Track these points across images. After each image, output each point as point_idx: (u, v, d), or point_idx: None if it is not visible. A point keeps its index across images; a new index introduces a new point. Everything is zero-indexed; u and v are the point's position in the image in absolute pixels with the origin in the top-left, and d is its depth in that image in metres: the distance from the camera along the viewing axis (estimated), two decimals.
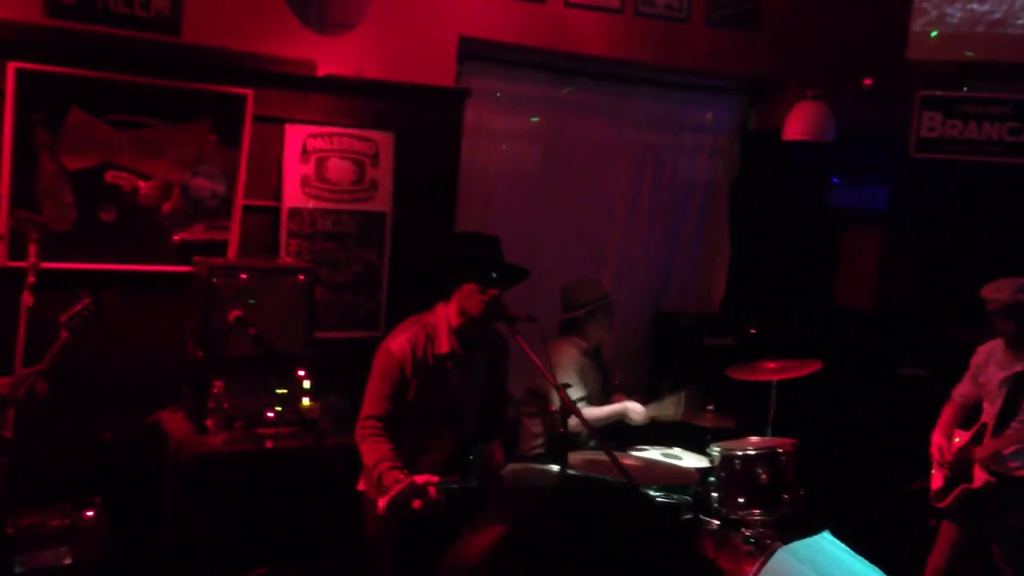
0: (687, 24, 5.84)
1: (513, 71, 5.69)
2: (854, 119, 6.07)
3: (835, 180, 6.44)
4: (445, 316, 3.64)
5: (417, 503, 3.21)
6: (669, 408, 4.79)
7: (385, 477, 3.34)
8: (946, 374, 5.40)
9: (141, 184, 4.39)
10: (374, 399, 3.54)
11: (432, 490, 3.24)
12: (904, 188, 6.45)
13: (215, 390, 4.05)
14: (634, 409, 4.73)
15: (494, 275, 3.55)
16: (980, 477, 4.10)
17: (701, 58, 5.93)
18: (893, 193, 6.49)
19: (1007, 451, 4.11)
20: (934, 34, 5.68)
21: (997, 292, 4.14)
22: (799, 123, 5.83)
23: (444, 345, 3.60)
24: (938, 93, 5.87)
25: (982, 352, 4.41)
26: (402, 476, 3.28)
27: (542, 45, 5.41)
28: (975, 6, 5.70)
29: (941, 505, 4.26)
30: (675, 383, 4.92)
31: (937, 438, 4.38)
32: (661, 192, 6.39)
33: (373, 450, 3.45)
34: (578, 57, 5.62)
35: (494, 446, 3.78)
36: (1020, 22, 5.61)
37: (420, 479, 3.25)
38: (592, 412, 4.62)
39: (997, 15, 5.66)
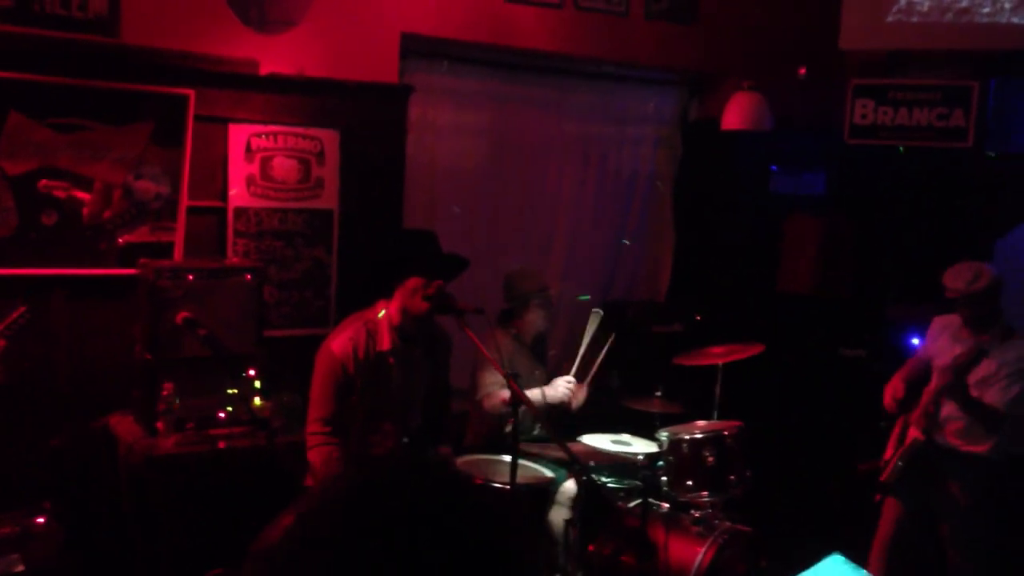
0: (626, 18, 5.93)
1: (456, 66, 5.73)
2: (791, 107, 6.22)
3: (774, 168, 6.58)
4: (387, 313, 3.67)
5: None
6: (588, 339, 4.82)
7: None
8: (885, 355, 5.57)
9: (80, 194, 4.34)
10: (319, 401, 3.60)
11: None
12: (841, 174, 6.61)
13: (165, 392, 4.03)
14: (554, 391, 4.66)
15: (436, 267, 3.59)
16: (910, 436, 4.24)
17: (641, 51, 6.03)
18: (831, 179, 6.66)
19: (943, 413, 4.21)
20: None
21: (954, 281, 4.19)
22: (736, 114, 5.97)
23: (386, 342, 3.63)
24: (870, 81, 6.03)
25: (938, 323, 4.47)
26: None
27: (484, 40, 5.46)
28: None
29: (884, 477, 4.37)
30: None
31: (895, 380, 4.43)
32: (606, 183, 6.49)
33: (321, 457, 3.50)
34: (521, 52, 5.68)
35: (444, 451, 3.83)
36: (985, 10, 5.76)
37: None
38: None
39: (964, 4, 5.81)
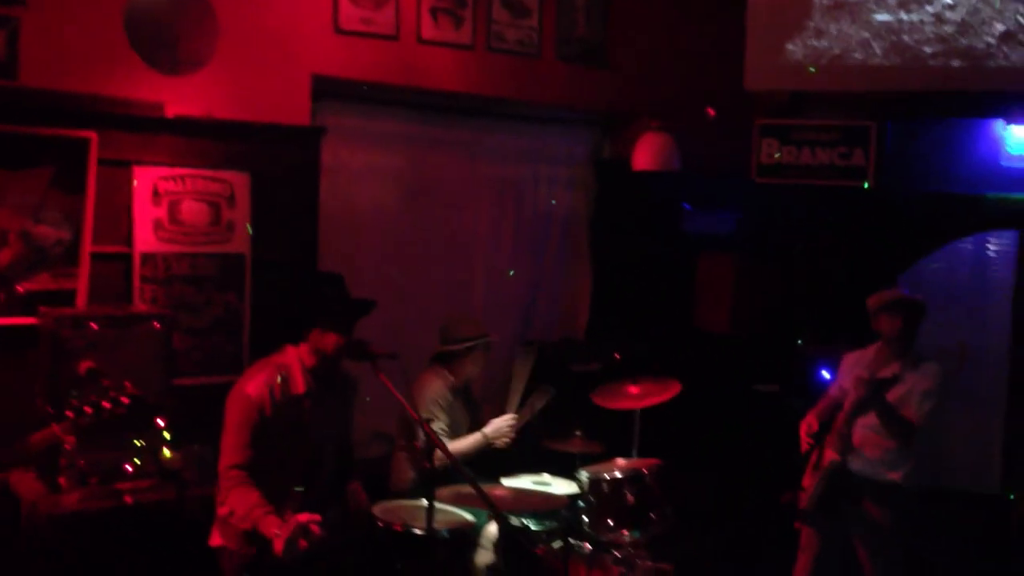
0: (539, 60, 6.01)
1: (370, 108, 5.71)
2: (703, 147, 6.35)
3: (687, 206, 6.70)
4: (298, 356, 3.61)
5: (303, 543, 3.21)
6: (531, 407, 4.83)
7: (263, 523, 3.29)
8: (799, 389, 5.68)
9: None
10: (235, 447, 3.46)
11: (316, 528, 3.24)
12: (751, 212, 6.76)
13: (67, 446, 3.87)
14: (494, 428, 4.73)
15: (343, 315, 3.57)
16: (827, 456, 4.32)
17: (553, 92, 6.11)
18: (742, 217, 6.80)
19: (857, 438, 4.30)
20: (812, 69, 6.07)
21: (870, 299, 4.43)
22: (645, 153, 6.09)
23: (300, 385, 3.57)
24: (775, 121, 6.21)
25: (849, 359, 4.62)
26: (281, 519, 3.25)
27: (397, 82, 5.46)
28: (814, 42, 6.10)
29: (803, 504, 4.41)
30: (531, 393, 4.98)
31: (809, 417, 4.54)
32: (522, 224, 6.51)
33: (243, 499, 3.38)
34: (434, 93, 5.69)
35: (354, 485, 3.75)
36: (856, 55, 6.02)
37: (302, 517, 3.24)
38: (456, 445, 4.65)
39: (836, 51, 6.06)
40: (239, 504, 3.37)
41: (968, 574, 5.56)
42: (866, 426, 4.33)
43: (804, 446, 4.46)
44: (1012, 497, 5.66)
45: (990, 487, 6.16)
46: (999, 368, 6.19)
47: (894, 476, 4.30)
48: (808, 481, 4.45)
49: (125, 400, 3.33)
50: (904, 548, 4.38)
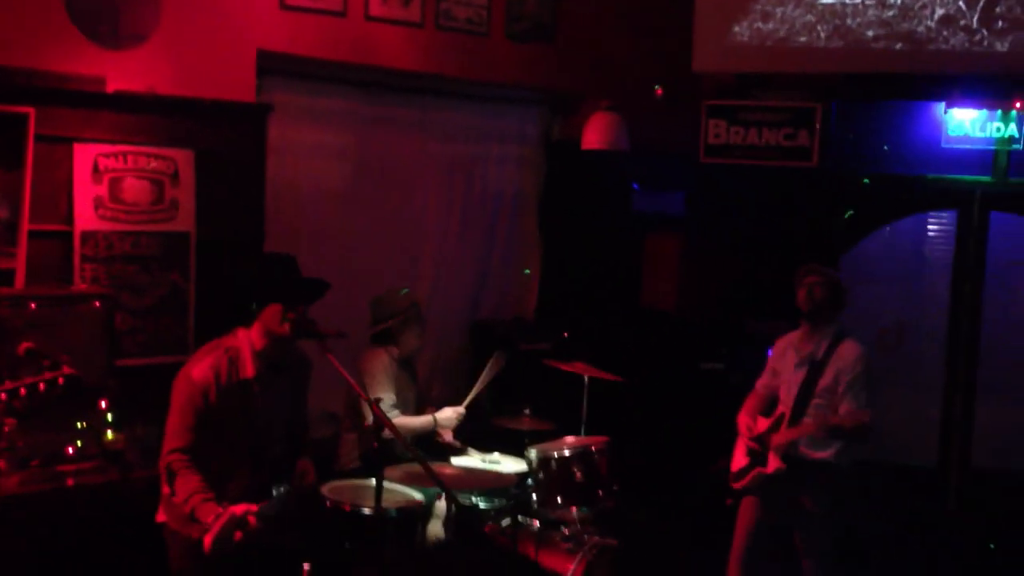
0: (488, 38, 5.99)
1: (318, 85, 5.65)
2: (653, 128, 6.39)
3: (636, 187, 6.74)
4: (248, 339, 3.56)
5: (238, 534, 3.17)
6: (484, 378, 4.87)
7: (200, 510, 3.26)
8: (742, 366, 5.77)
9: None
10: (178, 430, 3.42)
11: (252, 519, 3.21)
12: (699, 192, 6.82)
13: (7, 428, 3.81)
14: (444, 416, 4.78)
15: (296, 293, 3.53)
16: (773, 463, 4.36)
17: (503, 71, 6.09)
18: (689, 197, 6.86)
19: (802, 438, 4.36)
20: None
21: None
22: (595, 133, 6.11)
23: (249, 369, 3.52)
24: (722, 102, 6.27)
25: (780, 343, 4.68)
26: (219, 509, 3.21)
27: (344, 59, 5.41)
28: (760, 24, 6.16)
29: (738, 486, 4.50)
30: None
31: (743, 418, 4.60)
32: (472, 203, 6.50)
33: (183, 483, 3.35)
34: (382, 71, 5.65)
35: (304, 464, 3.74)
36: (802, 39, 6.09)
37: (238, 509, 3.20)
38: (404, 421, 4.65)
39: (781, 34, 6.13)
40: (180, 488, 3.35)
41: (902, 547, 5.71)
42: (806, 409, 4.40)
43: (738, 453, 4.51)
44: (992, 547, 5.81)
45: (927, 462, 6.33)
46: (937, 344, 6.35)
47: (825, 455, 4.36)
48: (744, 461, 4.50)
49: (61, 381, 3.26)
50: (838, 526, 4.46)
